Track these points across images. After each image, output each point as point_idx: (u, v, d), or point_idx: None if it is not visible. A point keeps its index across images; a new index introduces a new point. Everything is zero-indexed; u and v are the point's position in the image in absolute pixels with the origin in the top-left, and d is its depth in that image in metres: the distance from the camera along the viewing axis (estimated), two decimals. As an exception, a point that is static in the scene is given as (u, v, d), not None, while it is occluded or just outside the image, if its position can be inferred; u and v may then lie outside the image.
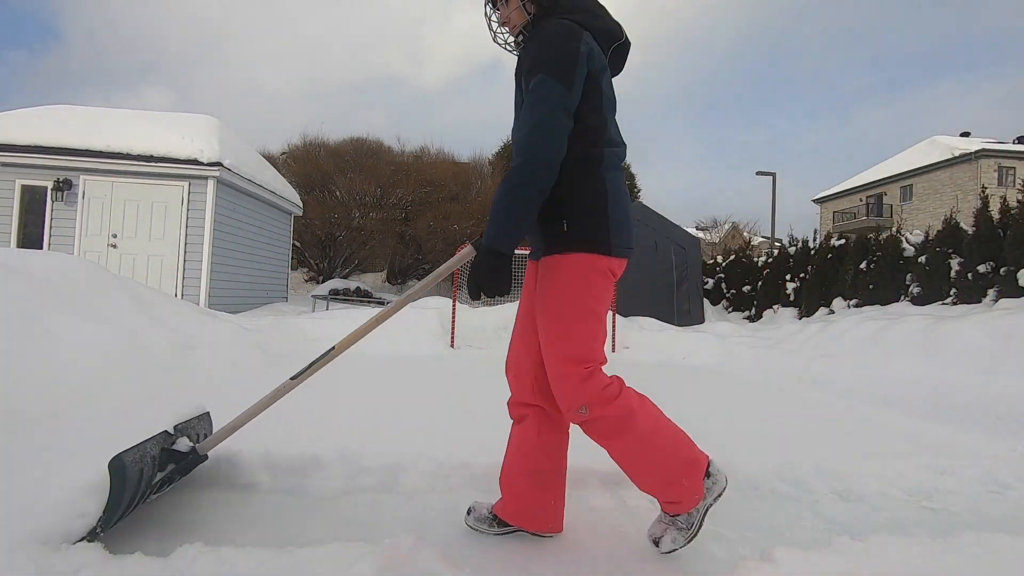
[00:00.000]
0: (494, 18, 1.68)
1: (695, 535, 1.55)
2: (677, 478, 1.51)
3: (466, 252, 1.62)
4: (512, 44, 1.69)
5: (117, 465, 1.48)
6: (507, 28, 1.66)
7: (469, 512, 1.75)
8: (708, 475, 1.56)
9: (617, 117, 1.64)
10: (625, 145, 1.62)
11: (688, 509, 1.54)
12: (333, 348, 1.79)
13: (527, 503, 1.64)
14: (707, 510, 1.55)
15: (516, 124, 1.54)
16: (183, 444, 1.78)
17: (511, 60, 1.71)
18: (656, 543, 1.59)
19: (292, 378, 1.79)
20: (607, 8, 1.65)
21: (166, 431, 1.78)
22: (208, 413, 2.08)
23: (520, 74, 1.56)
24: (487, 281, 1.44)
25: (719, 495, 1.57)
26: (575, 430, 1.63)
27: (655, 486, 1.55)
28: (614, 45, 1.63)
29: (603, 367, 1.54)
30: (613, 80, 1.65)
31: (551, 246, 1.53)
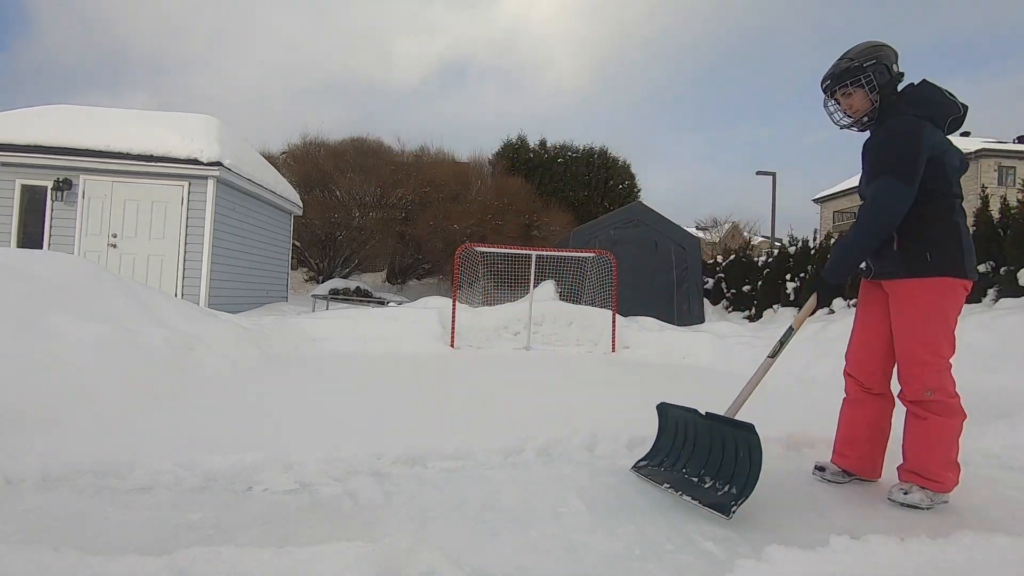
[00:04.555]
0: (837, 108, 2.20)
1: (931, 508, 2.02)
2: (947, 468, 2.03)
3: (812, 301, 2.26)
4: (857, 127, 2.20)
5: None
6: (852, 113, 2.17)
7: (823, 469, 2.35)
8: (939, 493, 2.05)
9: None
10: (963, 197, 2.12)
11: (938, 491, 2.03)
12: (791, 328, 2.30)
13: (868, 459, 2.28)
14: (940, 503, 2.04)
15: (864, 191, 2.14)
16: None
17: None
18: (904, 492, 2.05)
19: (769, 356, 2.32)
20: (942, 91, 2.09)
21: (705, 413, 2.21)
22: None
23: (868, 156, 2.12)
24: (824, 302, 2.22)
25: (945, 503, 2.05)
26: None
27: (932, 465, 2.03)
28: (952, 119, 2.10)
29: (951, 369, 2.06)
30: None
31: (915, 271, 2.05)
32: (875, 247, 2.09)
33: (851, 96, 2.14)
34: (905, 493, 2.05)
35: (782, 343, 2.29)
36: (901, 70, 2.13)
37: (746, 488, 1.83)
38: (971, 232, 2.19)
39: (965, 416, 2.07)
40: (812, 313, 2.28)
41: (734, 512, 1.79)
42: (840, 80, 2.13)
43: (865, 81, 2.09)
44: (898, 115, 2.05)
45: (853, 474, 2.31)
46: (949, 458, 2.03)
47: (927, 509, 2.01)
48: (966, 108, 2.10)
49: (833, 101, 2.20)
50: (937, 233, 2.03)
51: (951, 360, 2.06)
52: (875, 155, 2.09)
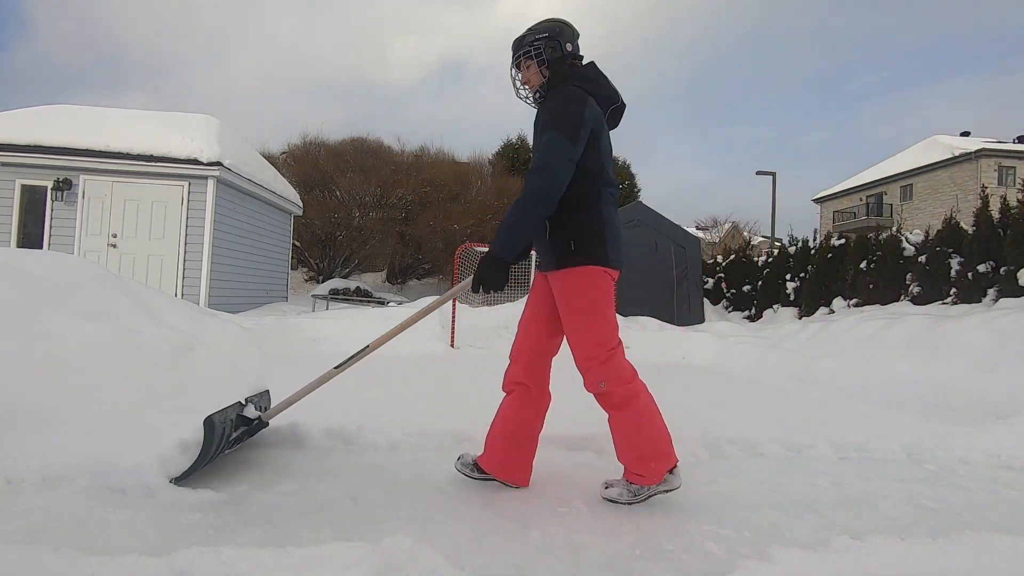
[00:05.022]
0: (518, 78, 2.12)
1: (635, 503, 1.95)
2: (648, 458, 1.93)
3: (467, 281, 2.04)
4: (531, 100, 2.12)
5: (209, 423, 1.95)
6: (528, 87, 2.11)
7: (459, 458, 2.20)
8: (671, 472, 1.95)
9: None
10: (618, 187, 2.08)
11: (644, 484, 1.94)
12: (367, 347, 2.25)
13: (503, 459, 2.09)
14: (653, 494, 1.95)
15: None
16: (251, 412, 2.24)
17: (507, 59, 2.13)
18: (606, 487, 2.00)
19: (336, 368, 2.27)
20: (607, 77, 2.07)
21: (240, 400, 2.23)
22: (268, 391, 2.52)
23: (537, 125, 2.01)
24: (489, 279, 1.88)
25: (668, 490, 1.96)
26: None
27: (630, 456, 1.95)
28: (611, 108, 2.06)
29: (623, 353, 1.98)
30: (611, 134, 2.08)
31: (562, 262, 1.96)
32: (542, 212, 1.87)
33: (528, 69, 2.08)
34: (607, 488, 2.00)
35: (352, 357, 2.26)
36: (580, 53, 2.08)
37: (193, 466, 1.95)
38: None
39: (643, 394, 1.95)
40: (479, 297, 2.22)
41: (177, 480, 1.91)
42: (514, 51, 2.09)
43: (535, 54, 2.03)
44: (567, 89, 1.99)
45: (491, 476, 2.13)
46: (642, 451, 1.92)
47: (627, 504, 1.94)
48: (625, 105, 2.10)
49: (515, 70, 2.13)
50: (583, 222, 1.94)
51: (615, 347, 1.96)
52: (541, 118, 1.99)
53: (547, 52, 2.02)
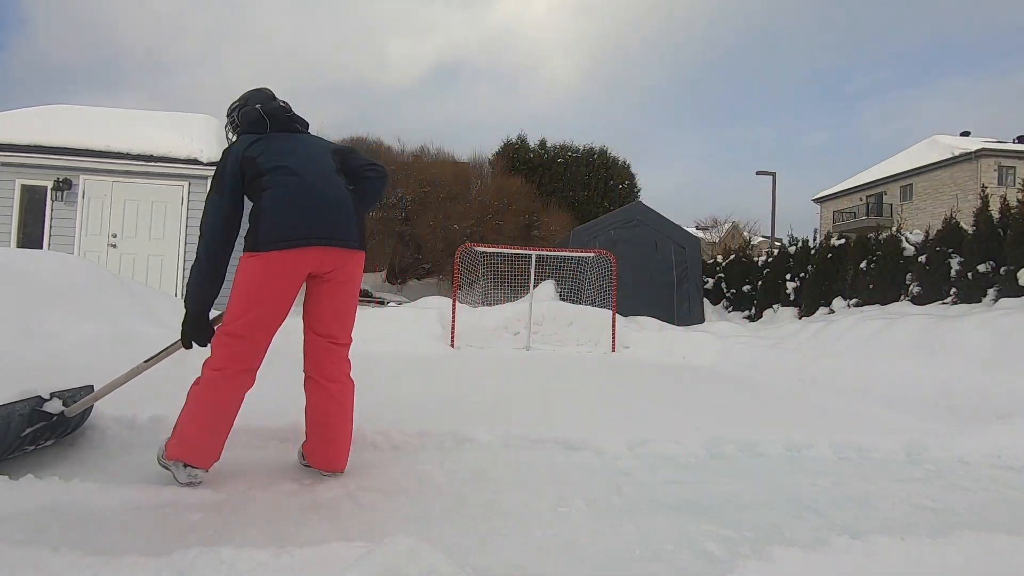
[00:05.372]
0: (231, 136, 2.32)
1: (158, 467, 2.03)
2: (175, 430, 1.98)
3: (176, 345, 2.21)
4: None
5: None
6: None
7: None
8: (186, 466, 1.96)
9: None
10: (298, 156, 2.09)
11: (166, 453, 1.99)
12: (176, 342, 2.20)
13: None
14: (166, 468, 2.00)
15: None
16: (53, 406, 2.12)
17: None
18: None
19: (146, 361, 2.26)
20: (268, 95, 2.30)
21: (39, 396, 2.12)
22: (92, 385, 2.43)
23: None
24: (193, 335, 2.13)
25: (176, 477, 1.96)
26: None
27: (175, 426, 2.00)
28: (274, 110, 2.22)
29: (243, 349, 2.00)
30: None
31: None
32: (211, 263, 2.09)
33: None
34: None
35: (163, 351, 2.29)
36: (268, 106, 2.23)
37: None
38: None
39: (211, 390, 1.98)
40: (189, 347, 2.18)
41: None
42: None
43: (231, 124, 2.32)
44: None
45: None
46: (180, 424, 1.98)
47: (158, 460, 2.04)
48: (276, 107, 2.23)
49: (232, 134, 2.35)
50: (249, 215, 2.05)
51: (231, 332, 2.01)
52: None
53: (241, 120, 2.23)
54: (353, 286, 2.19)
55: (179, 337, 2.12)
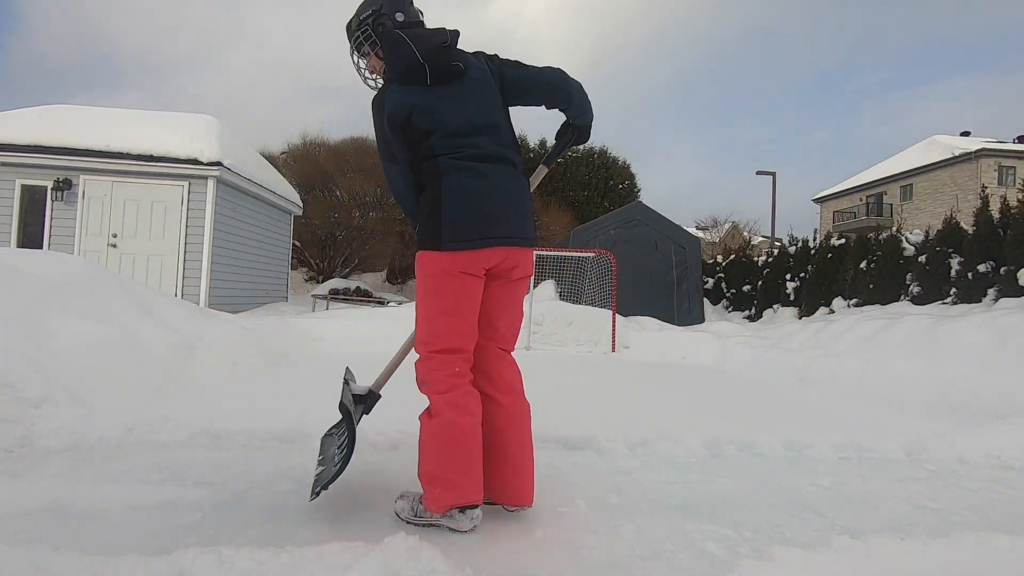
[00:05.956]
0: (362, 65, 1.93)
1: (414, 523, 1.73)
2: (431, 481, 1.69)
3: None
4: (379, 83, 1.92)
5: (345, 410, 1.86)
6: (375, 74, 1.93)
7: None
8: (463, 511, 1.68)
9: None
10: (479, 133, 1.77)
11: (428, 509, 1.71)
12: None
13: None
14: (436, 524, 1.71)
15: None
16: (360, 388, 2.04)
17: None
18: (399, 496, 1.82)
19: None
20: (438, 30, 1.84)
21: (345, 380, 2.04)
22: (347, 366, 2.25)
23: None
24: None
25: (453, 529, 1.69)
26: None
27: (422, 473, 1.73)
28: (442, 47, 1.79)
29: (460, 365, 1.74)
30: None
31: (418, 244, 1.79)
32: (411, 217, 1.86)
33: (368, 56, 1.89)
34: (399, 497, 1.82)
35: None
36: (418, 17, 1.87)
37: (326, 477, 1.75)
38: (495, 195, 1.69)
39: (449, 418, 1.68)
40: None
41: (314, 497, 1.75)
42: (349, 38, 1.90)
43: (365, 39, 1.85)
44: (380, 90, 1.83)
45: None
46: (431, 471, 1.69)
47: (406, 522, 1.74)
48: (434, 51, 1.76)
49: (357, 57, 1.92)
50: (424, 204, 1.77)
51: (443, 349, 1.73)
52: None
53: (379, 35, 1.83)
54: (526, 284, 1.93)
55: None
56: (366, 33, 1.84)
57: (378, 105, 1.78)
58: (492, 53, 1.93)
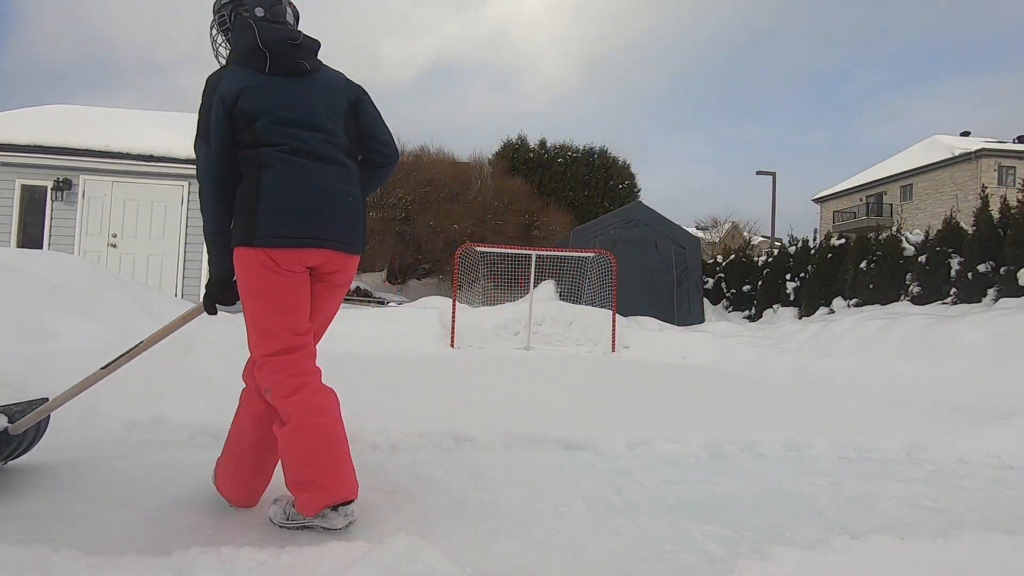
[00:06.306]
0: (219, 41, 1.89)
1: (287, 527, 1.65)
2: (298, 485, 1.59)
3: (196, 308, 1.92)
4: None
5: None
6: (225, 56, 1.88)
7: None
8: (335, 508, 1.60)
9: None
10: (311, 129, 1.71)
11: (300, 512, 1.62)
12: (140, 343, 1.95)
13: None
14: (309, 527, 1.63)
15: None
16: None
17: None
18: (274, 501, 1.72)
19: (102, 368, 1.93)
20: (289, 22, 1.83)
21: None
22: (46, 398, 2.11)
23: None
24: (215, 298, 1.82)
25: (327, 528, 1.61)
26: None
27: (289, 477, 1.61)
28: (290, 45, 1.74)
29: (300, 359, 1.68)
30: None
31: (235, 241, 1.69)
32: (208, 213, 1.72)
33: (221, 44, 1.89)
34: (274, 502, 1.72)
35: (121, 356, 1.95)
36: (282, 16, 1.81)
37: None
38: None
39: (302, 422, 1.59)
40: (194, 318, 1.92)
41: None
42: (214, 14, 1.86)
43: (219, 23, 1.84)
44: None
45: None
46: (296, 477, 1.59)
47: (280, 527, 1.65)
48: (277, 40, 1.71)
49: (216, 32, 1.88)
50: (241, 196, 1.67)
51: (280, 350, 1.66)
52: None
53: (230, 17, 1.81)
54: (346, 291, 1.93)
55: (165, 322, 1.86)
56: (221, 17, 1.83)
57: (212, 82, 1.72)
58: (361, 87, 1.92)
